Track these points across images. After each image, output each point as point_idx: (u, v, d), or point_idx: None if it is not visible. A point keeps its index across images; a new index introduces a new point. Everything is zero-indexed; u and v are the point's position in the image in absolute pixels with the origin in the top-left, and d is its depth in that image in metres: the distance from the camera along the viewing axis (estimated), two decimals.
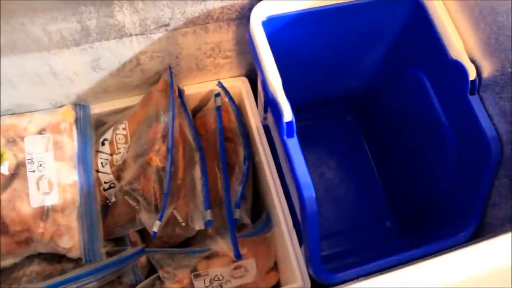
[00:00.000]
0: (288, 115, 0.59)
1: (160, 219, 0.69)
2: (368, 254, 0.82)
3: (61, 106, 0.79)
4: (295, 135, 0.60)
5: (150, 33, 0.71)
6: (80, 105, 0.79)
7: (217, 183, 0.76)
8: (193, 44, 0.75)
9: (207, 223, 0.71)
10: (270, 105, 0.63)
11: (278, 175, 0.78)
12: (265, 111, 0.77)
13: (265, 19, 0.65)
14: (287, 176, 0.77)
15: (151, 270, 0.79)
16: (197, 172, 0.74)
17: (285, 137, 0.60)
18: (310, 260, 0.63)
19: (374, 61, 0.80)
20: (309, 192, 0.58)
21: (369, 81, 0.85)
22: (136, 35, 0.70)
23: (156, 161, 0.70)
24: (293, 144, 0.60)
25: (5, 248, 0.69)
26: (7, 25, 0.62)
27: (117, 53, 0.72)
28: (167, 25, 0.70)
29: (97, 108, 0.80)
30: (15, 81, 0.72)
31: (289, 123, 0.59)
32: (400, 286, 0.41)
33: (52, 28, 0.65)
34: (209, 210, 0.71)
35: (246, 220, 0.76)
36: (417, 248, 0.64)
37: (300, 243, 0.74)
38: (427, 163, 0.76)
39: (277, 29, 0.68)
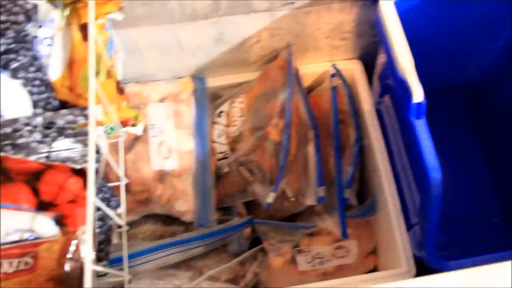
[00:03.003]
0: (419, 96, 0.59)
1: (274, 191, 0.71)
2: (475, 247, 0.81)
3: (180, 78, 0.82)
4: (423, 116, 0.60)
5: (276, 10, 0.72)
6: (198, 78, 0.82)
7: (328, 162, 0.77)
8: (314, 24, 0.76)
9: (320, 199, 0.72)
10: (398, 86, 0.62)
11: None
12: (381, 95, 0.77)
13: None
14: (398, 161, 0.76)
15: (254, 242, 0.81)
16: (311, 149, 0.75)
17: (413, 118, 0.60)
18: (426, 245, 0.63)
19: (497, 50, 0.78)
20: (436, 174, 0.58)
21: (488, 71, 0.83)
22: (263, 11, 0.72)
23: (274, 135, 0.72)
24: (421, 125, 0.60)
25: (127, 206, 0.73)
26: None
27: (241, 28, 0.74)
28: (293, 2, 0.71)
29: (213, 82, 0.83)
30: (144, 51, 0.76)
31: (419, 104, 0.59)
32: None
33: (187, 0, 0.68)
34: (322, 187, 0.72)
35: (354, 201, 0.77)
36: None
37: (408, 228, 0.74)
38: None
39: (405, 11, 0.67)
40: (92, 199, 0.46)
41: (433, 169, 0.58)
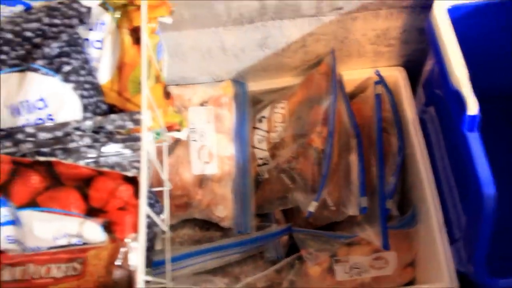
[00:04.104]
0: (473, 108, 0.57)
1: (316, 200, 0.69)
2: None
3: (221, 81, 0.81)
4: (477, 129, 0.58)
5: (323, 16, 0.71)
6: (238, 82, 0.81)
7: (370, 171, 0.75)
8: (360, 30, 0.74)
9: (362, 210, 0.70)
10: (450, 96, 0.61)
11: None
12: (426, 105, 0.75)
13: (450, 7, 0.63)
14: (442, 172, 0.74)
15: (290, 249, 0.80)
16: (353, 158, 0.73)
17: (466, 131, 0.58)
18: (474, 261, 0.61)
19: None
20: (490, 189, 0.56)
21: None
22: (309, 16, 0.71)
23: (317, 143, 0.71)
24: (475, 138, 0.58)
25: None
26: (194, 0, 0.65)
27: (287, 33, 0.73)
28: (341, 8, 0.70)
29: (253, 86, 0.82)
30: (187, 54, 0.75)
31: (473, 117, 0.57)
32: None
33: (234, 4, 0.67)
34: (365, 197, 0.71)
35: (395, 211, 0.75)
36: None
37: (451, 241, 0.72)
38: None
39: (458, 18, 0.65)
40: (144, 208, 0.45)
41: (487, 184, 0.56)
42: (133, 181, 0.49)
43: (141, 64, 0.52)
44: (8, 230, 0.52)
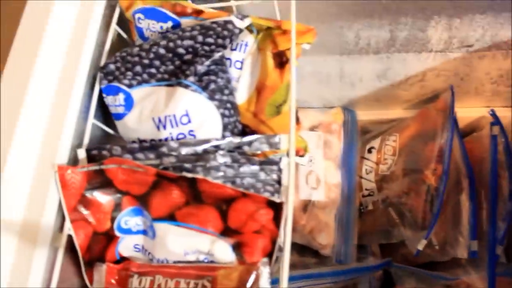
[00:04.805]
0: None
1: (426, 238, 0.68)
2: None
3: (330, 107, 0.81)
4: None
5: (449, 52, 0.70)
6: (348, 109, 0.80)
7: (479, 214, 0.73)
8: (485, 68, 0.73)
9: (472, 253, 0.68)
10: None
11: None
12: None
13: None
14: None
15: (383, 285, 0.78)
16: (464, 198, 0.71)
17: None
18: None
19: None
20: None
21: None
22: (436, 51, 0.70)
23: (431, 180, 0.69)
24: None
25: None
26: (324, 27, 0.65)
27: (409, 66, 0.72)
28: (471, 46, 0.68)
29: (362, 115, 0.81)
30: (305, 79, 0.75)
31: None
32: None
33: (364, 34, 0.67)
34: (475, 241, 0.69)
35: (503, 258, 0.73)
36: None
37: None
38: None
39: None
40: (289, 233, 0.45)
41: None
42: (273, 206, 0.49)
43: (287, 89, 0.52)
44: (137, 239, 0.53)
